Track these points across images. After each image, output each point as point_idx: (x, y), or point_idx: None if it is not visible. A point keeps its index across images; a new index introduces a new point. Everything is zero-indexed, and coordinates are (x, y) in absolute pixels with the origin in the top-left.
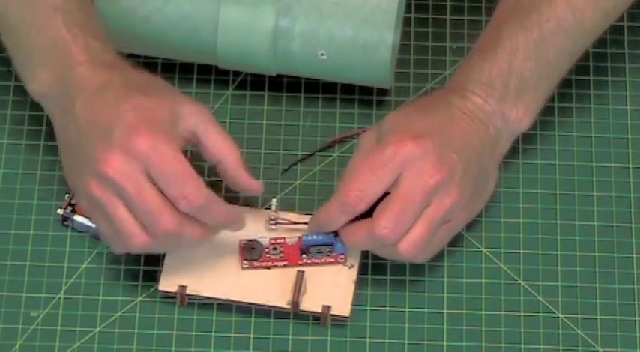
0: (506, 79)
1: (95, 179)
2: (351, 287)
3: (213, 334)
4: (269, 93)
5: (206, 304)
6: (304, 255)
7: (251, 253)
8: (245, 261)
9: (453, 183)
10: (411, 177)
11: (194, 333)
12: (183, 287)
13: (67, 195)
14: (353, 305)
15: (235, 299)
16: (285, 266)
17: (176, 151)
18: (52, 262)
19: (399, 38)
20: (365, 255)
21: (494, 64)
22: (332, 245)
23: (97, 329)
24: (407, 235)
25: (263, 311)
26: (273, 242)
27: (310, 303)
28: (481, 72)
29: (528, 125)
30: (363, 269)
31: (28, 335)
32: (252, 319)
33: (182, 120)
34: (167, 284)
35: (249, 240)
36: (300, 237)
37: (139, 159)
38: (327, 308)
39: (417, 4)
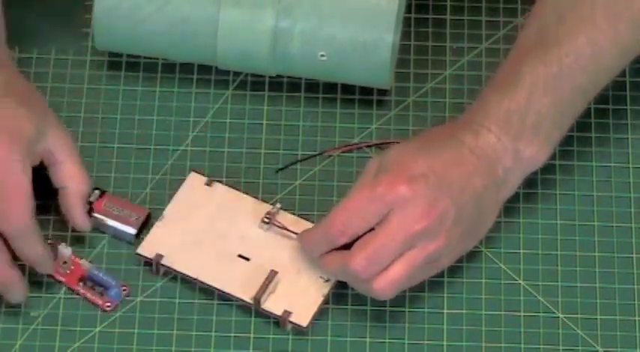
0: (524, 116)
1: None
2: (318, 300)
3: (213, 334)
4: (269, 94)
5: (206, 304)
6: (81, 283)
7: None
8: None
9: (442, 230)
10: (397, 219)
11: (194, 333)
12: (159, 256)
13: None
14: (316, 317)
15: (203, 280)
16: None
17: (23, 169)
18: None
19: (399, 38)
20: None
21: (512, 100)
22: (108, 288)
23: (97, 329)
24: (384, 273)
25: (227, 300)
26: (71, 256)
27: (273, 304)
28: (499, 107)
29: (543, 162)
30: None
31: (28, 335)
32: (252, 319)
33: (44, 139)
34: (147, 249)
35: (50, 243)
36: (90, 268)
37: None
38: (287, 313)
39: (417, 4)
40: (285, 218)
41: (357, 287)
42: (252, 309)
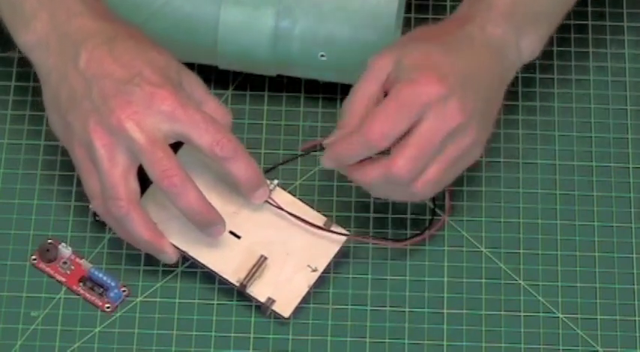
0: (527, 8)
1: (102, 129)
2: (302, 290)
3: (213, 334)
4: (269, 94)
5: (206, 304)
6: (81, 283)
7: (45, 254)
8: (34, 257)
9: (472, 124)
10: (434, 119)
11: (194, 333)
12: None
13: None
14: (298, 307)
15: (192, 255)
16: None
17: (197, 106)
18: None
19: (399, 38)
20: (365, 254)
21: None
22: (108, 289)
23: (97, 329)
24: (422, 175)
25: (211, 278)
26: (71, 256)
27: (258, 290)
28: (503, 1)
29: (537, 55)
30: (362, 270)
31: (28, 335)
32: (252, 319)
33: (182, 80)
34: None
35: (50, 243)
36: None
37: (161, 117)
38: (270, 300)
39: (417, 4)
40: (282, 196)
41: (391, 191)
42: (252, 309)
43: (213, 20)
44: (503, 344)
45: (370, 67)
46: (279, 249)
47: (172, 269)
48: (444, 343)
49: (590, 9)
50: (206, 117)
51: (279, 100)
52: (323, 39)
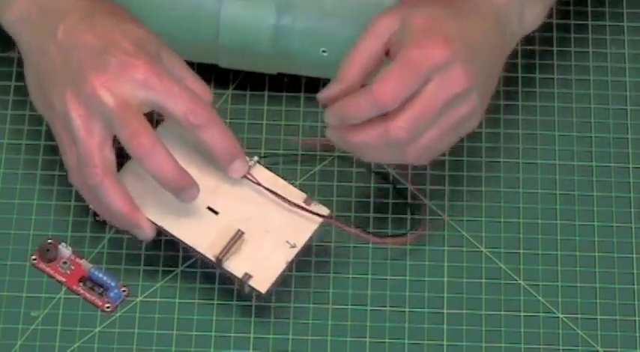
0: None
1: (78, 99)
2: (280, 266)
3: (213, 334)
4: (269, 93)
5: (206, 304)
6: (81, 283)
7: (45, 254)
8: (34, 257)
9: (474, 92)
10: (438, 82)
11: (194, 333)
12: None
13: None
14: (277, 284)
15: (168, 229)
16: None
17: (172, 76)
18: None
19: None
20: (365, 254)
21: None
22: (107, 289)
23: (97, 329)
24: (419, 140)
25: (189, 252)
26: (71, 256)
27: (235, 265)
28: None
29: (538, 25)
30: (363, 269)
31: (28, 335)
32: (253, 319)
33: (162, 55)
34: None
35: (50, 243)
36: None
37: (135, 85)
38: (247, 276)
39: None
40: (262, 173)
41: (386, 155)
42: (252, 309)
43: (214, 16)
44: (503, 344)
45: (374, 24)
46: (258, 225)
47: (172, 269)
48: (444, 343)
49: (590, 9)
50: (181, 87)
51: (279, 100)
52: (324, 35)
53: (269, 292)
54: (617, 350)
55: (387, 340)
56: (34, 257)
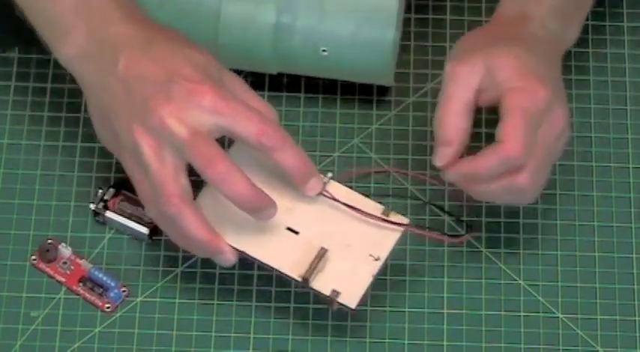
0: (574, 2)
1: (146, 131)
2: (367, 280)
3: (213, 334)
4: (269, 93)
5: (206, 304)
6: (81, 283)
7: (45, 254)
8: (34, 257)
9: (569, 124)
10: (547, 125)
11: (194, 333)
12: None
13: (100, 191)
14: (364, 298)
15: (251, 253)
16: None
17: (238, 99)
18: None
19: (400, 37)
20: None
21: None
22: (107, 289)
23: (97, 329)
24: (538, 180)
25: (270, 272)
26: (71, 257)
27: (321, 283)
28: None
29: (574, 41)
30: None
31: (28, 336)
32: (253, 319)
33: (224, 79)
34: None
35: (50, 243)
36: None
37: (203, 111)
38: (335, 293)
39: (417, 4)
40: (337, 189)
41: (510, 200)
42: (252, 309)
43: (214, 16)
44: (503, 344)
45: (457, 75)
46: (339, 241)
47: (172, 269)
48: (444, 343)
49: (590, 9)
50: (249, 109)
51: (279, 100)
52: (324, 34)
53: (357, 307)
54: (617, 350)
55: (387, 340)
56: (34, 257)
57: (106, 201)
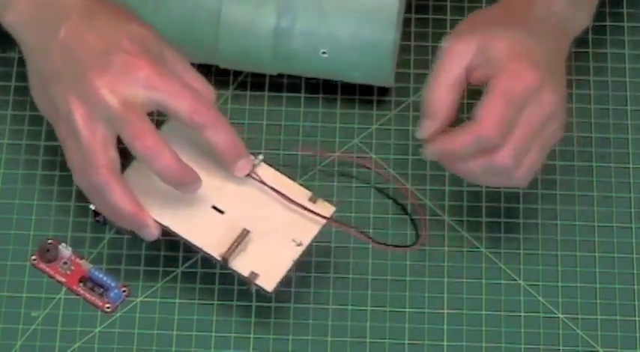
0: None
1: (81, 100)
2: (287, 264)
3: (213, 334)
4: (269, 94)
5: (206, 304)
6: (81, 283)
7: (45, 254)
8: (34, 257)
9: (561, 108)
10: (533, 107)
11: (194, 333)
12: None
13: None
14: (281, 282)
15: (174, 229)
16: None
17: (175, 75)
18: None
19: (400, 38)
20: (365, 254)
21: None
22: (108, 289)
23: (97, 329)
24: (523, 162)
25: (194, 251)
26: (71, 257)
27: (241, 264)
28: None
29: (584, 29)
30: (363, 270)
31: (29, 336)
32: (253, 319)
33: (165, 54)
34: None
35: (50, 243)
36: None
37: (138, 85)
38: (254, 275)
39: (417, 5)
40: (267, 172)
41: (493, 180)
42: (252, 310)
43: (213, 18)
44: (503, 344)
45: (450, 51)
46: (264, 224)
47: (172, 269)
48: (444, 343)
49: None
50: (184, 86)
51: (279, 100)
52: (324, 36)
53: (275, 291)
54: (617, 350)
55: (387, 340)
56: (34, 257)
57: None
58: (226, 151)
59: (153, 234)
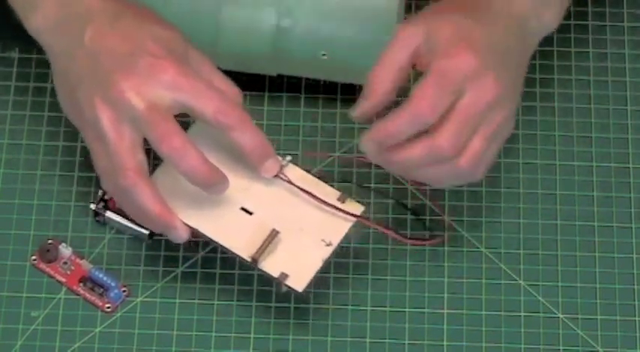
0: None
1: (107, 103)
2: (317, 264)
3: (213, 334)
4: (269, 94)
5: (206, 304)
6: (81, 283)
7: (45, 254)
8: (34, 257)
9: (507, 97)
10: (473, 92)
11: (194, 333)
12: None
13: (101, 191)
14: (312, 282)
15: (203, 231)
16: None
17: (199, 76)
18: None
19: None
20: (365, 254)
21: None
22: (108, 289)
23: (97, 329)
24: (466, 150)
25: (224, 253)
26: (71, 257)
27: (270, 265)
28: None
29: (555, 27)
30: (363, 270)
31: (29, 336)
32: (253, 319)
33: (189, 56)
34: None
35: (50, 243)
36: (90, 268)
37: (163, 87)
38: (283, 275)
39: (417, 4)
40: (295, 172)
41: (439, 174)
42: (252, 309)
43: (213, 20)
44: (503, 344)
45: (398, 36)
46: (293, 224)
47: (172, 269)
48: (444, 343)
49: (590, 9)
50: (210, 87)
51: (279, 100)
52: (324, 38)
53: (305, 291)
54: (617, 350)
55: (387, 340)
56: (34, 257)
57: (106, 201)
58: (253, 152)
59: (181, 236)
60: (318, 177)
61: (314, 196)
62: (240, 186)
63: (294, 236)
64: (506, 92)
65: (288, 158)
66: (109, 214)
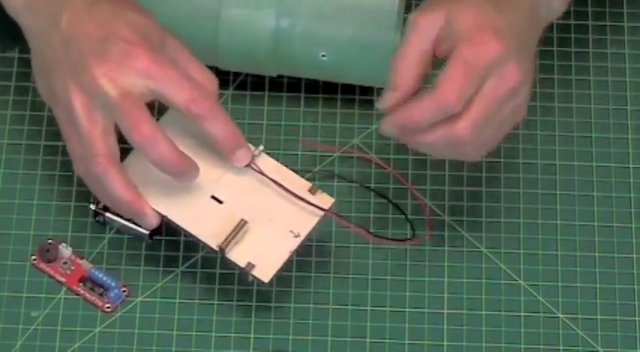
0: None
1: (80, 88)
2: (283, 256)
3: (213, 334)
4: (269, 94)
5: (206, 304)
6: (81, 283)
7: (45, 254)
8: (34, 257)
9: (525, 83)
10: (495, 79)
11: (194, 333)
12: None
13: None
14: (278, 273)
15: (172, 218)
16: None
17: (173, 65)
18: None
19: (400, 39)
20: (365, 254)
21: None
22: (108, 289)
23: (97, 329)
24: (480, 136)
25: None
26: (71, 257)
27: (238, 255)
28: None
29: (560, 14)
30: (363, 270)
31: (29, 335)
32: (253, 319)
33: (166, 45)
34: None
35: (50, 243)
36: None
37: (135, 74)
38: (250, 265)
39: (417, 5)
40: (267, 162)
41: (447, 151)
42: (253, 309)
43: (213, 21)
44: (503, 344)
45: (417, 24)
46: (262, 215)
47: (172, 269)
48: (444, 343)
49: (590, 9)
50: (183, 76)
51: (279, 100)
52: (323, 39)
53: (271, 281)
54: (617, 350)
55: (387, 340)
56: (34, 257)
57: None
58: (224, 142)
59: (151, 222)
60: (290, 169)
61: (283, 187)
62: (211, 175)
63: (262, 226)
64: (525, 78)
65: (261, 148)
66: (108, 214)
